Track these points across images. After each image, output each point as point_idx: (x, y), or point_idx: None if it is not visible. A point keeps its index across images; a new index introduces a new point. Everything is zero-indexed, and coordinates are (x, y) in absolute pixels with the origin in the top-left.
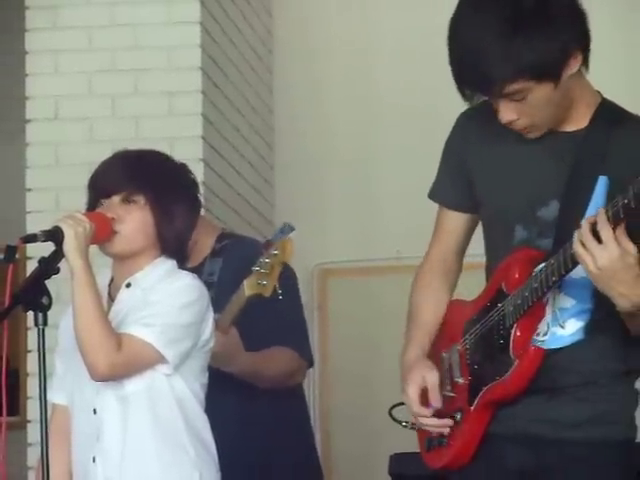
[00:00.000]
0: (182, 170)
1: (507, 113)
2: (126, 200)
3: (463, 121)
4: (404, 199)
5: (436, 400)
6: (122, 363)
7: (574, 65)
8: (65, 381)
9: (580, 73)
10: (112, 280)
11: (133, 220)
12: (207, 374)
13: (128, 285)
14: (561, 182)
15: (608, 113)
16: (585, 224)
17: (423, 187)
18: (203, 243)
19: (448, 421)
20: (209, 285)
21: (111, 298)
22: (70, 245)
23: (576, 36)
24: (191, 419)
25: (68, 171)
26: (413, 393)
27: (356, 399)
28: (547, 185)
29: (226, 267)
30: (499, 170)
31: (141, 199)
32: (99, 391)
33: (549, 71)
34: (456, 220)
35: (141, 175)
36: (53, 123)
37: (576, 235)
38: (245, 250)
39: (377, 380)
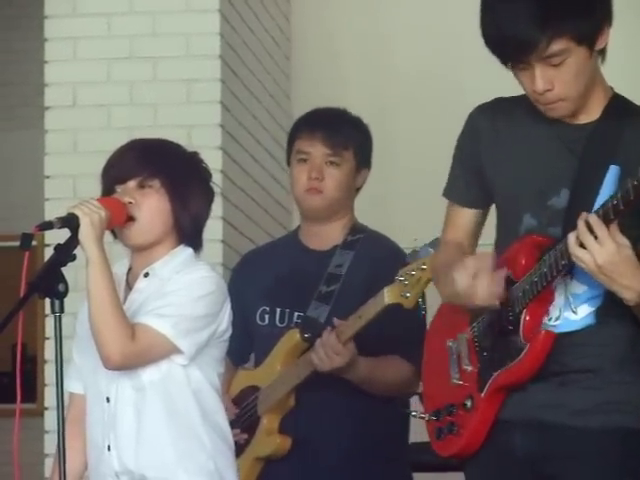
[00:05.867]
0: (195, 158)
1: (544, 81)
2: (142, 185)
3: (475, 116)
4: (422, 187)
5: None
6: (135, 353)
7: (602, 41)
8: (82, 370)
9: (598, 62)
10: (130, 269)
11: (150, 204)
12: (224, 363)
13: (146, 275)
14: (572, 172)
15: (620, 106)
16: (581, 223)
17: (441, 175)
18: (335, 229)
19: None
20: (335, 277)
21: (129, 287)
22: (86, 233)
23: (608, 13)
24: (207, 409)
25: (86, 158)
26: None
27: None
28: (558, 174)
29: (357, 264)
30: (510, 160)
31: (157, 183)
32: (115, 380)
33: (588, 34)
34: (468, 216)
35: (156, 160)
36: (71, 110)
37: (571, 237)
38: (379, 251)
39: None
